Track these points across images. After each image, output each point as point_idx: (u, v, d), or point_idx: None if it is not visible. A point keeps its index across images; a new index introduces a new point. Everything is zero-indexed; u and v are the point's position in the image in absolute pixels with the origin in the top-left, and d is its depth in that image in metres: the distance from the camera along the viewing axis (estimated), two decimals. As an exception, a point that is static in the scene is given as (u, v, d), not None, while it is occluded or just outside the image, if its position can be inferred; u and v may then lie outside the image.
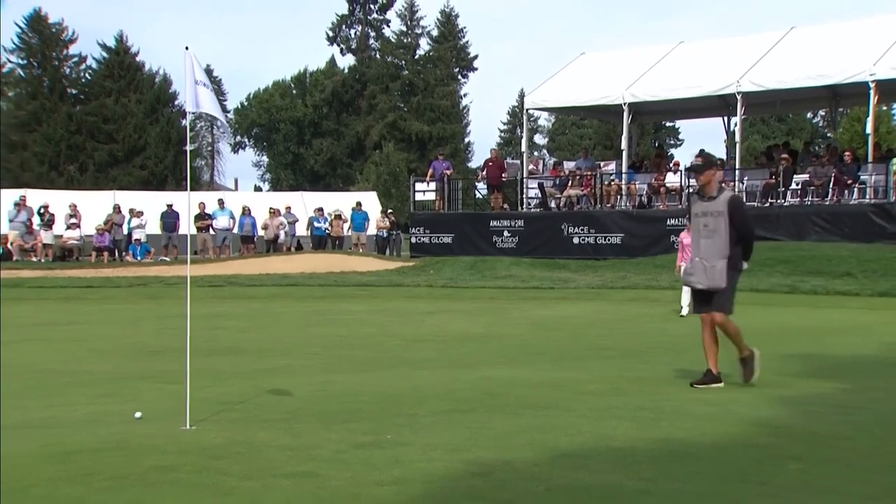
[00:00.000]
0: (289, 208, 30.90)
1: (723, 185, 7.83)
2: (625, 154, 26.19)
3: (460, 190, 29.46)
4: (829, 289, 16.97)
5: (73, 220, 28.24)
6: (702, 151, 9.10)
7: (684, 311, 13.75)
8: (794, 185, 22.96)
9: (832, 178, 22.19)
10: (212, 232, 28.85)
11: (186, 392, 5.72)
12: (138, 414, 5.96)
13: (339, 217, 30.42)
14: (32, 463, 4.61)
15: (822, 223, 21.65)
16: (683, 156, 71.54)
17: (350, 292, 19.72)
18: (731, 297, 7.39)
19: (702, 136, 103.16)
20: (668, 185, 24.47)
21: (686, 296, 13.31)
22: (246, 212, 29.63)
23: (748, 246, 7.46)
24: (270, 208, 30.39)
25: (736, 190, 23.59)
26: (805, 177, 22.92)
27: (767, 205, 22.93)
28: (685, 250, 13.42)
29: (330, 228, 30.04)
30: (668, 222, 23.16)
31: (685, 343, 10.93)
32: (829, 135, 55.53)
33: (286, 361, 9.31)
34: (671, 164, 25.73)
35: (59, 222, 28.68)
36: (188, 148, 6.64)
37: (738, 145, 24.89)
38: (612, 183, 25.90)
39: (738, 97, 23.79)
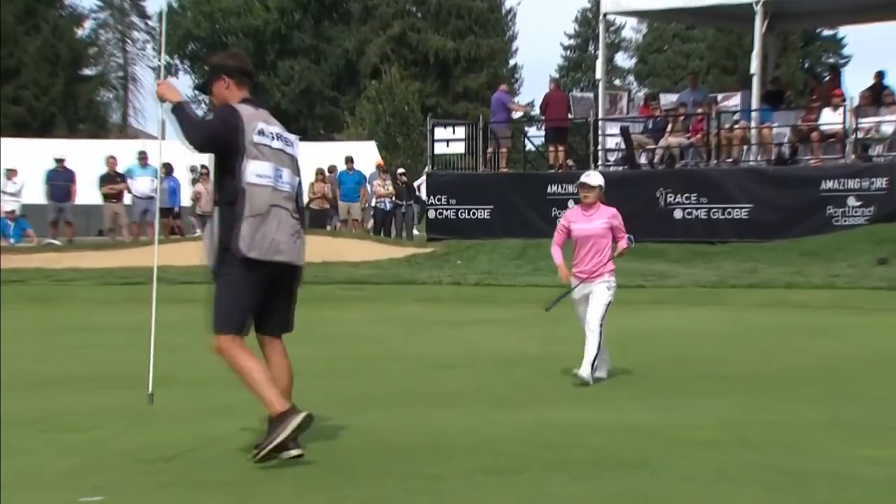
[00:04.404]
0: None
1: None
2: (756, 81, 26.01)
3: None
4: None
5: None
6: (217, 53, 7.72)
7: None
8: None
9: None
10: (126, 201, 28.92)
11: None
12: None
13: (321, 177, 30.47)
14: None
15: None
16: (850, 82, 70.87)
17: (338, 292, 19.79)
18: (223, 306, 6.59)
19: (880, 51, 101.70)
20: (823, 128, 24.32)
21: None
22: (168, 171, 29.08)
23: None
24: (191, 167, 30.16)
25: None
26: None
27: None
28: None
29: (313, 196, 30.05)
30: (824, 185, 23.02)
31: (846, 369, 10.90)
32: None
33: (240, 396, 9.37)
34: (831, 96, 25.46)
35: None
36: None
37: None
38: (737, 126, 25.78)
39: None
